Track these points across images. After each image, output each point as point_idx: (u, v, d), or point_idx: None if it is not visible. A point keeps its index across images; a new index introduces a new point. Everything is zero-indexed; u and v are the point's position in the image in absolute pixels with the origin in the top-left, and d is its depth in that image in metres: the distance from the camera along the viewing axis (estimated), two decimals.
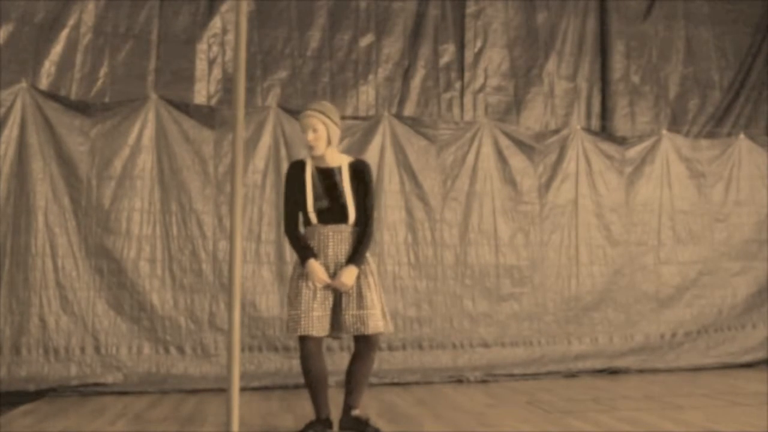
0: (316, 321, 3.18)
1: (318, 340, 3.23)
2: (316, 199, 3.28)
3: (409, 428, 3.52)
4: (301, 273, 3.26)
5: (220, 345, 4.75)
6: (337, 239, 3.28)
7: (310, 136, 3.26)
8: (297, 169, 3.38)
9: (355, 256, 3.25)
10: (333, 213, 3.28)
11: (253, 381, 4.62)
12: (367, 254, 3.32)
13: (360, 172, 3.35)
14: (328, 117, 3.29)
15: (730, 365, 5.69)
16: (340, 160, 3.37)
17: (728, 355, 5.77)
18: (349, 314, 3.22)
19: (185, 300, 4.75)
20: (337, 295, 3.26)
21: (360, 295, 3.24)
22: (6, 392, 4.16)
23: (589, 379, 5.16)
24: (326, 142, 3.29)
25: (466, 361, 5.21)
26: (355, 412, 3.32)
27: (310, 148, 3.28)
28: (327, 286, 3.23)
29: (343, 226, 3.29)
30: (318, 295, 3.21)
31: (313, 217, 3.29)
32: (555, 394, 4.52)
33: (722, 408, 4.03)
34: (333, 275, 3.24)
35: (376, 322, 3.23)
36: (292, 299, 3.26)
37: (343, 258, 3.27)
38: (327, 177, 3.31)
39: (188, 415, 3.84)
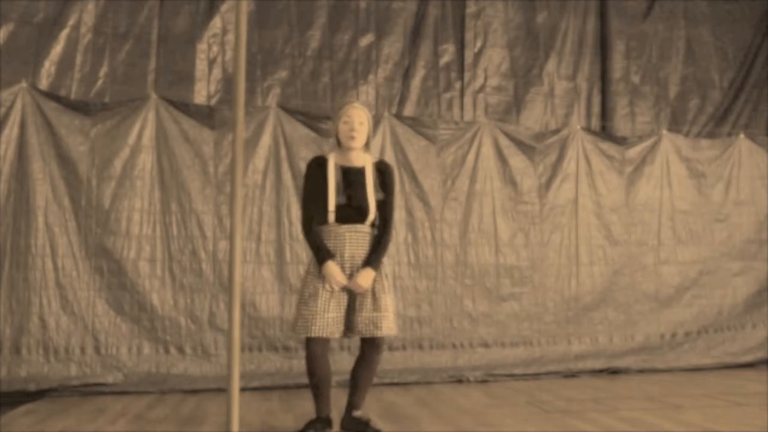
0: (331, 322, 3.15)
1: (325, 341, 3.20)
2: (336, 197, 3.22)
3: (409, 428, 3.52)
4: (317, 272, 3.21)
5: (220, 345, 4.75)
6: (354, 240, 3.24)
7: (357, 126, 3.23)
8: (319, 164, 3.30)
9: (373, 259, 3.22)
10: (352, 212, 3.23)
11: (253, 381, 4.62)
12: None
13: (385, 173, 3.33)
14: (370, 117, 3.34)
15: (730, 365, 5.70)
16: (364, 160, 3.33)
17: (728, 355, 5.77)
18: (363, 316, 3.19)
19: (185, 300, 4.75)
20: (352, 296, 3.24)
21: (374, 297, 3.22)
22: (6, 392, 4.16)
23: (589, 379, 5.16)
24: (365, 139, 3.29)
25: (466, 361, 5.22)
26: (357, 413, 3.31)
27: (351, 138, 3.23)
28: (343, 287, 3.21)
29: (360, 227, 3.25)
30: (334, 297, 3.18)
31: (331, 216, 3.22)
32: (555, 394, 4.52)
33: (722, 408, 4.03)
34: (348, 276, 3.21)
35: (390, 324, 3.22)
36: (307, 299, 3.19)
37: (359, 259, 3.23)
38: (350, 175, 3.27)
39: (188, 415, 3.84)
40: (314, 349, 3.17)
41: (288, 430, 3.46)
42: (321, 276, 3.19)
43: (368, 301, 3.21)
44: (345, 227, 3.24)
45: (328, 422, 3.27)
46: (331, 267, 3.17)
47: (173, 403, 4.17)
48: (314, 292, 3.18)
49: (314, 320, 3.13)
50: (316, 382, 3.22)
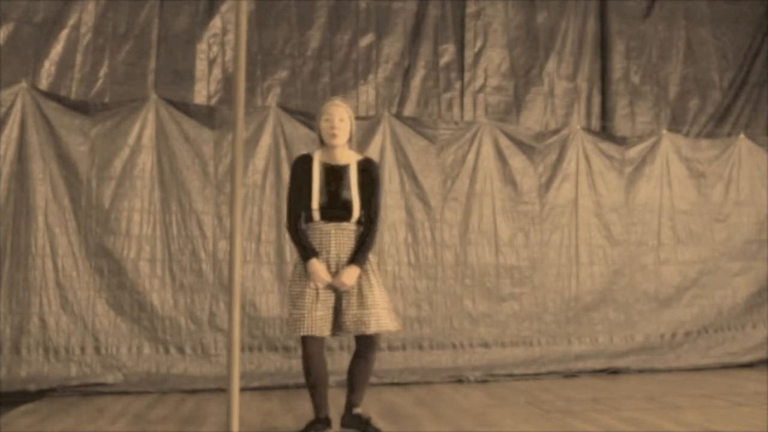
0: (319, 321, 3.15)
1: (320, 340, 3.21)
2: (321, 195, 3.23)
3: (409, 428, 3.52)
4: (303, 272, 3.22)
5: (220, 345, 4.75)
6: (339, 237, 3.24)
7: (337, 123, 3.24)
8: (304, 163, 3.32)
9: (358, 256, 3.22)
10: (337, 210, 3.24)
11: (253, 381, 4.62)
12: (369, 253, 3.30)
13: (368, 170, 3.33)
14: (351, 113, 3.35)
15: (730, 365, 5.69)
16: (348, 158, 3.33)
17: (728, 355, 5.77)
18: (350, 314, 3.19)
19: (185, 300, 4.75)
20: (339, 295, 3.24)
21: (361, 295, 3.21)
22: (6, 392, 4.16)
23: (589, 379, 5.16)
24: (348, 135, 3.31)
25: (466, 361, 5.21)
26: (357, 410, 3.31)
27: (332, 135, 3.25)
28: (328, 286, 3.21)
29: (345, 224, 3.25)
30: (320, 295, 3.18)
31: (316, 214, 3.24)
32: (555, 394, 4.52)
33: (722, 408, 4.03)
34: (334, 274, 3.21)
35: (378, 321, 3.20)
36: (295, 299, 3.21)
37: (345, 256, 3.23)
38: (335, 173, 3.28)
39: (188, 415, 3.84)
40: (308, 348, 3.18)
41: (288, 430, 3.46)
42: (306, 275, 3.20)
43: (354, 298, 3.20)
44: (331, 225, 3.25)
45: (327, 422, 3.27)
46: (315, 265, 3.17)
47: (173, 403, 4.17)
48: (301, 291, 3.20)
49: (302, 319, 3.14)
50: (313, 382, 3.23)
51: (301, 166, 3.32)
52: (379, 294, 3.25)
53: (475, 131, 5.53)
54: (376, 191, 3.33)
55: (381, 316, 3.21)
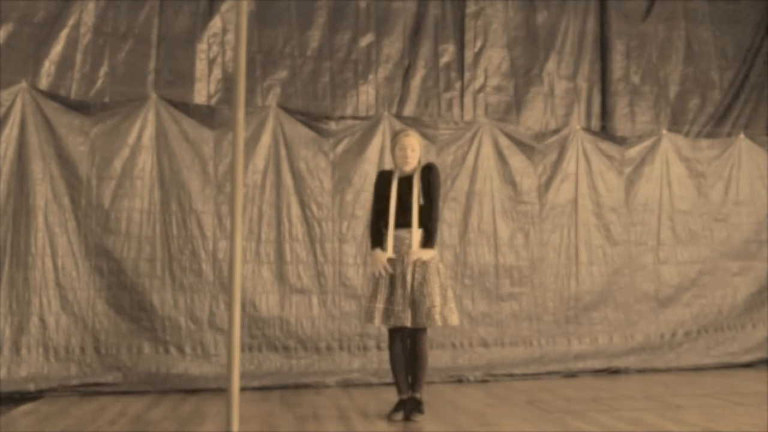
0: (384, 312, 3.65)
1: (394, 331, 3.72)
2: (397, 205, 3.73)
3: (409, 428, 3.53)
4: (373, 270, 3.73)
5: (220, 345, 4.75)
6: (410, 240, 3.70)
7: (410, 153, 3.80)
8: (384, 178, 3.88)
9: (426, 242, 3.73)
10: (406, 217, 3.72)
11: (253, 381, 4.62)
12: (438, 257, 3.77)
13: (426, 173, 3.80)
14: (421, 141, 3.91)
15: (730, 365, 5.69)
16: (415, 170, 3.84)
17: (728, 355, 5.77)
18: (425, 308, 3.60)
19: (185, 300, 4.75)
20: (410, 290, 3.63)
21: (439, 291, 3.65)
22: (6, 392, 4.17)
23: (589, 379, 5.17)
24: (417, 161, 3.85)
25: (466, 361, 5.21)
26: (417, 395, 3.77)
27: (405, 163, 3.79)
28: (393, 280, 3.66)
29: (412, 229, 3.70)
30: (386, 289, 3.67)
31: (391, 222, 3.74)
32: (555, 394, 4.52)
33: (722, 408, 4.03)
34: (408, 275, 3.64)
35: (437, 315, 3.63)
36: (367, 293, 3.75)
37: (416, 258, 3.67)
38: (405, 184, 3.78)
39: (188, 415, 3.84)
40: (389, 337, 3.77)
41: (288, 430, 3.46)
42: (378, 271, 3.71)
43: (426, 293, 3.63)
44: (403, 231, 3.71)
45: (400, 404, 3.73)
46: (377, 253, 3.74)
47: (173, 403, 4.17)
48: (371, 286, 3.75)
49: (371, 311, 3.66)
50: (391, 365, 3.79)
51: (382, 180, 3.87)
52: (428, 292, 3.62)
53: (475, 131, 5.53)
54: (435, 190, 3.79)
55: (432, 312, 3.59)
